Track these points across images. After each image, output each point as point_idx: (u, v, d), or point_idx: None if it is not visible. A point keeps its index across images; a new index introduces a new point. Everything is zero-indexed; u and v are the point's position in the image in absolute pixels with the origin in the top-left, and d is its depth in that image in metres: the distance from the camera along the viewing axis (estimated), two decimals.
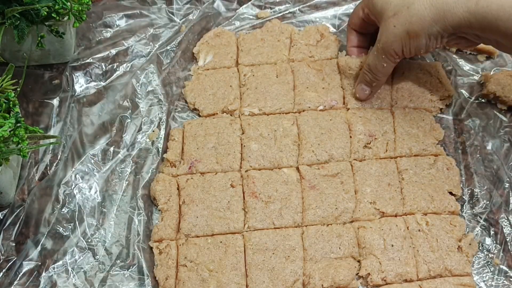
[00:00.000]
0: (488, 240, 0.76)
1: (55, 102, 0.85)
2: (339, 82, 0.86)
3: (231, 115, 0.84)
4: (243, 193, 0.77)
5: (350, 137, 0.82)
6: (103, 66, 0.88)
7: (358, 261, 0.74)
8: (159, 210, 0.77)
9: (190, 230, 0.75)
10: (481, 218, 0.78)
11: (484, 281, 0.74)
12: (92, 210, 0.78)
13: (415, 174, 0.79)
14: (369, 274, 0.72)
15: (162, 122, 0.84)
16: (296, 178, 0.78)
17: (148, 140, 0.83)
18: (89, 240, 0.76)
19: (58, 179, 0.79)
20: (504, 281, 0.73)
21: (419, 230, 0.75)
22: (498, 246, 0.76)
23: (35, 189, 0.79)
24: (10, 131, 0.67)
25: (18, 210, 0.77)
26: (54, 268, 0.74)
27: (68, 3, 0.77)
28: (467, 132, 0.84)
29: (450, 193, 0.78)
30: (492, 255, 0.75)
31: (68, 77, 0.87)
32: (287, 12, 0.94)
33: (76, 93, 0.86)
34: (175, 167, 0.80)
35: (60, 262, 0.74)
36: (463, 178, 0.81)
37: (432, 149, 0.81)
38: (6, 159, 0.71)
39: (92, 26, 0.91)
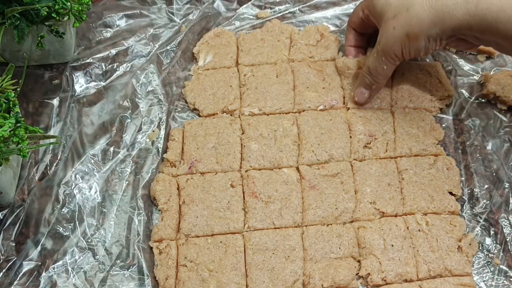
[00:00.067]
0: (488, 240, 0.76)
1: (55, 102, 0.85)
2: (339, 82, 0.86)
3: (231, 115, 0.84)
4: (243, 193, 0.77)
5: (350, 137, 0.82)
6: (103, 66, 0.88)
7: (358, 261, 0.74)
8: (159, 210, 0.77)
9: (190, 230, 0.75)
10: (481, 218, 0.78)
11: (484, 281, 0.74)
12: (92, 210, 0.78)
13: (415, 174, 0.79)
14: (369, 274, 0.72)
15: (162, 122, 0.84)
16: (296, 178, 0.78)
17: (148, 140, 0.83)
18: (89, 240, 0.76)
19: (58, 179, 0.79)
20: (504, 281, 0.73)
21: (419, 230, 0.75)
22: (498, 246, 0.76)
23: (35, 189, 0.79)
24: (10, 131, 0.67)
25: (18, 210, 0.77)
26: (54, 268, 0.74)
27: (68, 3, 0.77)
28: (467, 132, 0.84)
29: (450, 193, 0.78)
30: (492, 255, 0.75)
31: (68, 77, 0.87)
32: (287, 12, 0.94)
33: (76, 93, 0.86)
34: (175, 167, 0.80)
35: (60, 262, 0.74)
36: (463, 178, 0.81)
37: (432, 149, 0.81)
38: (6, 159, 0.71)
39: (92, 26, 0.91)
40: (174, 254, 0.73)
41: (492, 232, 0.77)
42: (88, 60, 0.88)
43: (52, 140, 0.80)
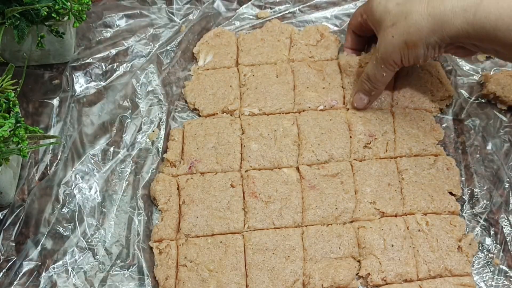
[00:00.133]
0: (488, 240, 0.76)
1: (55, 102, 0.85)
2: (339, 82, 0.86)
3: (231, 115, 0.84)
4: (243, 193, 0.77)
5: (350, 137, 0.82)
6: (103, 66, 0.88)
7: (358, 261, 0.74)
8: (159, 210, 0.77)
9: (190, 230, 0.75)
10: (481, 218, 0.78)
11: (484, 281, 0.74)
12: (92, 210, 0.78)
13: (415, 174, 0.79)
14: (369, 274, 0.73)
15: (162, 122, 0.84)
16: (296, 178, 0.78)
17: (148, 140, 0.83)
18: (89, 240, 0.76)
19: (58, 179, 0.79)
20: (504, 281, 0.73)
21: (419, 230, 0.75)
22: (498, 246, 0.76)
23: (35, 189, 0.79)
24: (10, 131, 0.67)
25: (18, 210, 0.77)
26: (54, 268, 0.74)
27: (68, 3, 0.77)
28: (467, 132, 0.84)
29: (450, 193, 0.78)
30: (492, 255, 0.75)
31: (68, 77, 0.87)
32: (287, 12, 0.94)
33: (76, 93, 0.86)
34: (175, 167, 0.80)
35: (60, 262, 0.74)
36: (463, 178, 0.81)
37: (432, 149, 0.81)
38: (6, 159, 0.71)
39: (92, 26, 0.91)
40: (174, 254, 0.73)
41: (492, 232, 0.77)
42: (88, 60, 0.88)
43: (52, 140, 0.80)
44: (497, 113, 0.85)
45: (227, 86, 0.85)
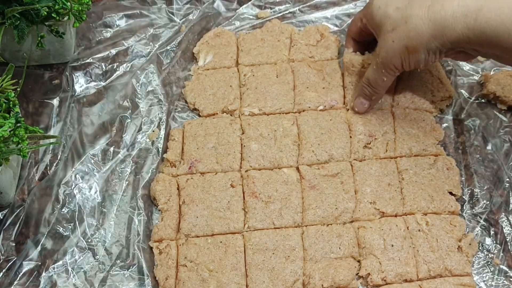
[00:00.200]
0: (488, 240, 0.76)
1: (55, 102, 0.85)
2: (339, 82, 0.86)
3: (231, 115, 0.84)
4: (243, 193, 0.77)
5: (350, 137, 0.82)
6: (103, 66, 0.88)
7: (358, 261, 0.74)
8: (159, 210, 0.77)
9: (190, 230, 0.75)
10: (481, 218, 0.78)
11: (484, 281, 0.74)
12: (92, 210, 0.78)
13: (415, 174, 0.79)
14: (369, 274, 0.73)
15: (162, 122, 0.84)
16: (296, 178, 0.78)
17: (148, 140, 0.83)
18: (89, 240, 0.76)
19: (58, 179, 0.79)
20: (504, 281, 0.74)
21: (419, 230, 0.75)
22: (498, 246, 0.76)
23: (35, 189, 0.79)
24: (10, 131, 0.67)
25: (18, 210, 0.77)
26: (54, 268, 0.74)
27: (68, 3, 0.77)
28: (467, 132, 0.84)
29: (450, 193, 0.78)
30: (492, 255, 0.75)
31: (68, 77, 0.87)
32: (287, 12, 0.94)
33: (76, 93, 0.86)
34: (175, 167, 0.80)
35: (60, 262, 0.74)
36: (463, 178, 0.81)
37: (432, 149, 0.81)
38: (6, 159, 0.71)
39: (92, 26, 0.91)
40: (174, 254, 0.73)
41: (492, 232, 0.77)
42: (88, 60, 0.88)
43: (52, 140, 0.80)
44: (497, 113, 0.85)
45: (227, 86, 0.85)
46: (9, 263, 0.74)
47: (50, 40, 0.83)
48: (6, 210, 0.77)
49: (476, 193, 0.79)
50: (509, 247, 0.75)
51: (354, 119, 0.82)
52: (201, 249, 0.73)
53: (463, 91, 0.87)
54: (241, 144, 0.81)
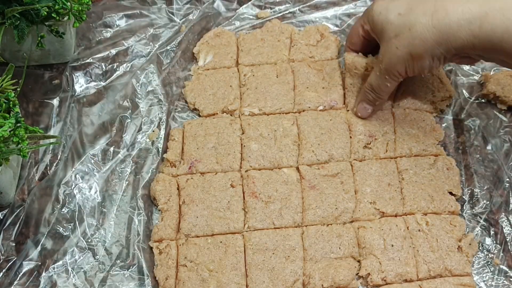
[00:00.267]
0: (488, 240, 0.76)
1: (55, 102, 0.85)
2: (339, 82, 0.86)
3: (231, 115, 0.84)
4: (243, 193, 0.77)
5: (350, 137, 0.82)
6: (103, 66, 0.88)
7: (358, 261, 0.74)
8: (159, 210, 0.77)
9: (190, 230, 0.75)
10: (481, 218, 0.78)
11: (484, 281, 0.74)
12: (92, 210, 0.78)
13: (415, 174, 0.79)
14: (369, 274, 0.73)
15: (162, 122, 0.84)
16: (296, 178, 0.78)
17: (148, 140, 0.83)
18: (89, 240, 0.76)
19: (58, 179, 0.79)
20: (504, 281, 0.74)
21: (419, 230, 0.75)
22: (498, 246, 0.76)
23: (35, 189, 0.79)
24: (10, 131, 0.67)
25: (18, 210, 0.77)
26: (54, 268, 0.74)
27: (68, 3, 0.77)
28: (467, 132, 0.84)
29: (450, 193, 0.78)
30: (492, 255, 0.75)
31: (68, 77, 0.87)
32: (287, 12, 0.94)
33: (76, 93, 0.86)
34: (175, 167, 0.80)
35: (60, 262, 0.74)
36: (463, 178, 0.81)
37: (432, 149, 0.81)
38: (6, 159, 0.71)
39: (92, 26, 0.91)
40: (174, 254, 0.73)
41: (492, 232, 0.77)
42: (88, 60, 0.88)
43: (52, 140, 0.80)
44: (497, 113, 0.85)
45: (227, 86, 0.85)
46: (9, 263, 0.74)
47: (50, 40, 0.83)
48: (6, 210, 0.77)
49: (476, 193, 0.79)
50: (509, 247, 0.75)
51: (354, 119, 0.82)
52: (201, 249, 0.73)
53: (463, 91, 0.87)
54: (241, 144, 0.81)
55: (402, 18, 0.71)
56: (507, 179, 0.80)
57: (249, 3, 0.94)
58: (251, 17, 0.94)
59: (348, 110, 0.84)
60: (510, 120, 0.85)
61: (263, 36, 0.90)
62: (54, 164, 0.81)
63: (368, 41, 0.82)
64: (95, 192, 0.79)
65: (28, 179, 0.80)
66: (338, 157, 0.80)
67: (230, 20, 0.93)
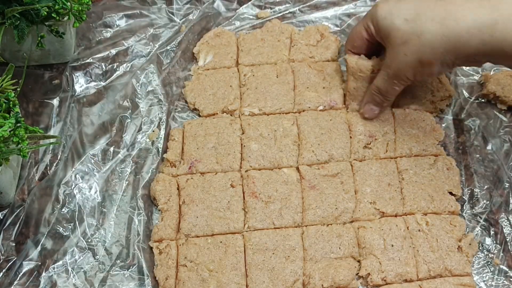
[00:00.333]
0: (488, 240, 0.76)
1: (55, 102, 0.85)
2: (339, 82, 0.86)
3: (231, 115, 0.84)
4: (243, 193, 0.77)
5: (350, 137, 0.82)
6: (103, 66, 0.88)
7: (358, 261, 0.74)
8: (159, 210, 0.77)
9: (190, 230, 0.75)
10: (481, 218, 0.78)
11: (484, 281, 0.74)
12: (92, 210, 0.78)
13: (415, 174, 0.79)
14: (369, 274, 0.73)
15: (162, 122, 0.84)
16: (296, 178, 0.78)
17: (148, 140, 0.83)
18: (89, 240, 0.76)
19: (58, 179, 0.79)
20: (504, 281, 0.74)
21: (419, 230, 0.75)
22: (498, 246, 0.76)
23: (35, 189, 0.79)
24: (10, 131, 0.67)
25: (18, 210, 0.77)
26: (54, 268, 0.74)
27: (68, 3, 0.77)
28: (467, 132, 0.84)
29: (450, 193, 0.78)
30: (492, 255, 0.75)
31: (68, 77, 0.87)
32: (287, 12, 0.94)
33: (76, 93, 0.86)
34: (175, 167, 0.80)
35: (60, 262, 0.74)
36: (463, 178, 0.81)
37: (432, 149, 0.81)
38: (6, 159, 0.71)
39: (92, 26, 0.91)
40: (174, 254, 0.73)
41: (492, 232, 0.77)
42: (88, 60, 0.88)
43: (52, 140, 0.80)
44: (497, 113, 0.85)
45: (227, 86, 0.85)
46: (9, 263, 0.74)
47: (50, 40, 0.83)
48: (6, 210, 0.77)
49: (476, 193, 0.79)
50: (509, 247, 0.75)
51: (354, 120, 0.82)
52: (201, 249, 0.73)
53: (463, 91, 0.87)
54: (241, 144, 0.81)
55: (410, 24, 0.70)
56: (507, 179, 0.80)
57: (249, 3, 0.94)
58: (251, 17, 0.94)
59: (348, 111, 0.84)
60: (510, 120, 0.85)
61: (263, 36, 0.90)
62: (54, 164, 0.81)
63: (372, 43, 0.81)
64: (95, 192, 0.79)
65: (28, 179, 0.80)
66: (338, 157, 0.80)
67: (230, 20, 0.93)
